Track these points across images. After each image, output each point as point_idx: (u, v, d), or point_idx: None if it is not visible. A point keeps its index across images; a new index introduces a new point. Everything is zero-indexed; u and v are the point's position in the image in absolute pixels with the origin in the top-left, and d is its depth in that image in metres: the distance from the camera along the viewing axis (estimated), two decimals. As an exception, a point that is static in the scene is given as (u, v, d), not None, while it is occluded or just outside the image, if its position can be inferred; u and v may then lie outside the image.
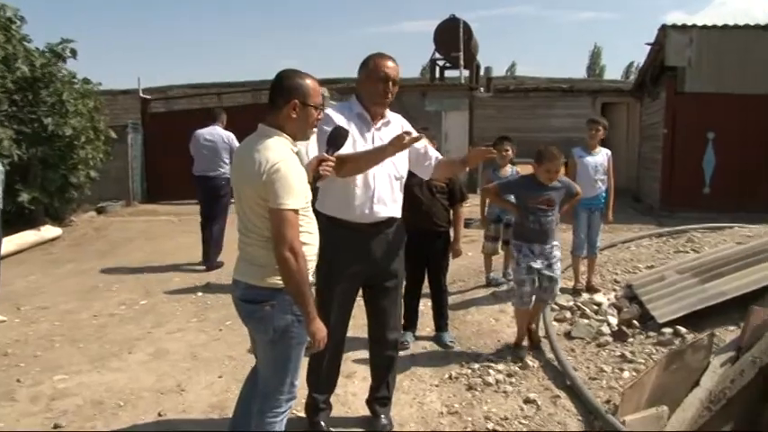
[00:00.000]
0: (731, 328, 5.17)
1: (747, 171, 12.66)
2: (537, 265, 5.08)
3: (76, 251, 10.41)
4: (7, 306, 6.85)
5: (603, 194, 6.73)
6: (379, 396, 4.11)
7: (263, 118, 2.94)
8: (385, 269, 3.82)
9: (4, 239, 9.52)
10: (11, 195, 10.19)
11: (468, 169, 4.16)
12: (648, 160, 15.21)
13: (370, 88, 3.63)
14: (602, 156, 6.79)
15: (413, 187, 4.97)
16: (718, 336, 5.18)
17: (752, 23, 13.19)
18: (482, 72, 21.19)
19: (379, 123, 3.73)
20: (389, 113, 3.80)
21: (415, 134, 3.39)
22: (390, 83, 3.59)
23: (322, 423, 3.95)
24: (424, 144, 3.82)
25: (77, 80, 12.19)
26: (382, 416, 4.07)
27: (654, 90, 15.05)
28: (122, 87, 20.09)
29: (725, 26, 13.14)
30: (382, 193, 3.65)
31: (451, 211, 5.60)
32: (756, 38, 12.85)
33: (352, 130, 3.55)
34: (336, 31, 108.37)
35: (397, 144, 3.30)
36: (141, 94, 16.88)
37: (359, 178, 3.56)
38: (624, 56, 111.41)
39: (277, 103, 2.87)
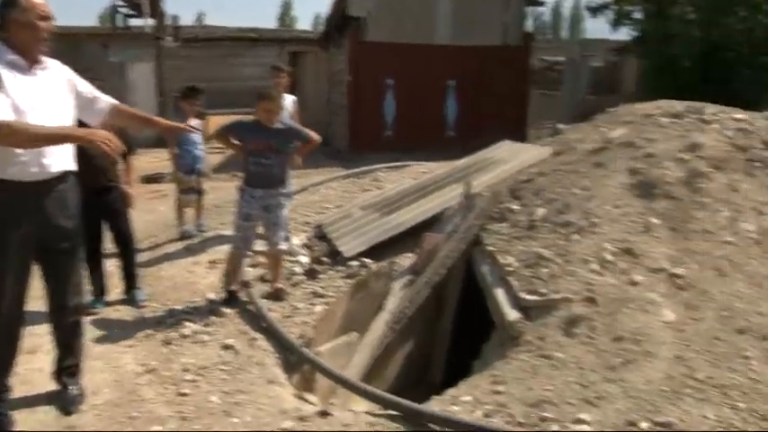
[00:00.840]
0: (408, 255, 5.66)
1: (423, 114, 13.91)
2: (254, 211, 5.03)
3: None
4: None
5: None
6: (66, 366, 3.80)
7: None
8: (60, 230, 3.48)
9: None
10: None
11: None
12: (336, 106, 15.92)
13: (26, 31, 3.22)
14: (287, 101, 6.89)
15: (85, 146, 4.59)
16: (398, 263, 5.68)
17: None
18: (169, 21, 20.21)
19: (38, 69, 3.33)
20: (49, 60, 3.43)
21: (80, 83, 3.24)
22: (47, 20, 3.25)
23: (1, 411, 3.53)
24: (90, 88, 3.59)
25: None
26: (71, 387, 3.77)
27: (339, 39, 15.67)
28: None
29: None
30: (49, 149, 3.30)
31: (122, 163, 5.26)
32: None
33: (5, 80, 3.14)
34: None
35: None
36: None
37: None
38: (316, 6, 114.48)
39: None
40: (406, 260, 5.67)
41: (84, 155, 4.51)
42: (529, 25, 14.98)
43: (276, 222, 5.12)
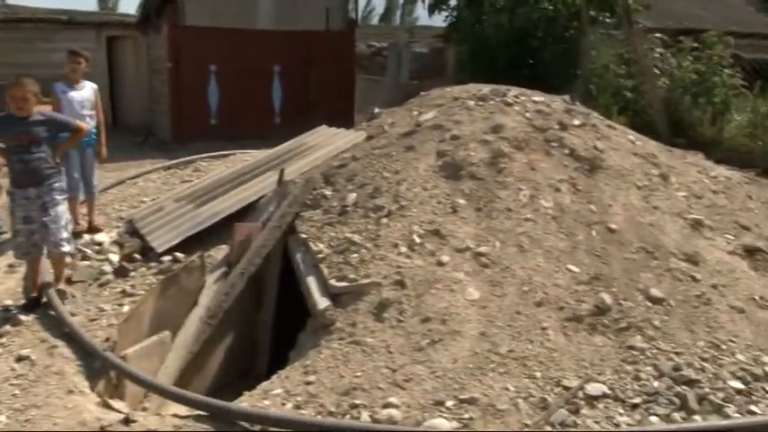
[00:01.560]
0: (223, 246, 5.46)
1: (249, 101, 13.59)
2: (32, 212, 4.66)
3: None
4: None
5: (94, 131, 6.38)
6: None
7: None
8: None
9: None
10: None
11: None
12: (158, 94, 15.20)
13: None
14: (87, 90, 6.41)
15: None
16: (212, 255, 5.45)
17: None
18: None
19: None
20: None
21: None
22: None
23: None
24: None
25: None
26: None
27: (157, 23, 14.94)
28: None
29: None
30: None
31: None
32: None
33: None
34: None
35: None
36: None
37: None
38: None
39: None
40: (221, 252, 5.46)
41: None
42: (358, 10, 15.05)
43: (49, 222, 4.77)
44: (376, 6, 61.46)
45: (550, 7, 11.61)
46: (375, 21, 43.17)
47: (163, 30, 14.09)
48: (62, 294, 4.93)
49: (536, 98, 5.87)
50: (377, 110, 7.38)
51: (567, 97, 6.31)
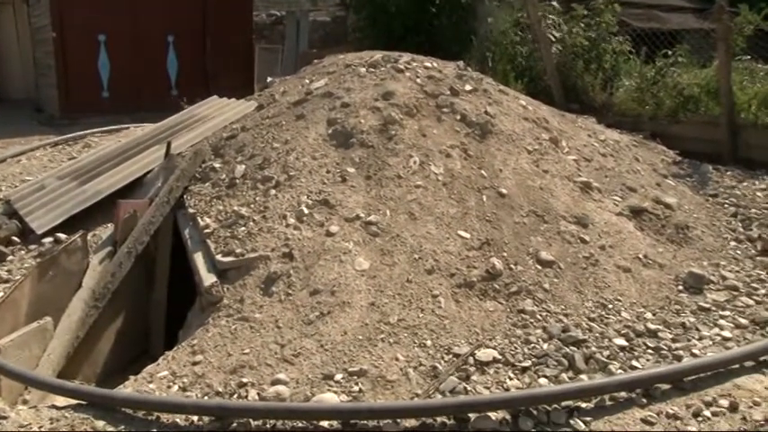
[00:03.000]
0: (109, 225, 5.20)
1: (142, 72, 13.01)
2: None
3: None
4: None
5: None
6: None
7: None
8: None
9: None
10: None
11: None
12: (43, 66, 14.31)
13: None
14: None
15: None
16: (98, 234, 5.20)
17: None
18: None
19: None
20: None
21: None
22: None
23: None
24: None
25: None
26: None
27: (36, -10, 14.08)
28: None
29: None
30: None
31: None
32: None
33: None
34: None
35: None
36: None
37: None
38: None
39: None
40: (106, 231, 5.21)
41: None
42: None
43: None
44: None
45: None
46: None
47: (44, -3, 13.30)
48: None
49: (427, 64, 5.83)
50: (269, 79, 7.19)
51: (460, 63, 6.30)
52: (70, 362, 4.44)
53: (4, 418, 3.24)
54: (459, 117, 5.22)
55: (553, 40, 9.48)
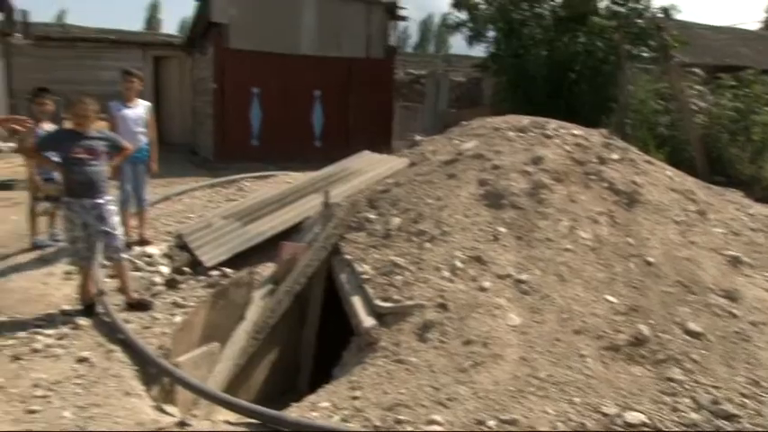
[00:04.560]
0: (269, 264, 5.67)
1: (290, 124, 13.89)
2: (89, 220, 4.90)
3: None
4: None
5: (146, 147, 6.66)
6: None
7: None
8: None
9: None
10: None
11: None
12: (202, 114, 15.58)
13: None
14: (141, 108, 6.70)
15: None
16: (258, 272, 5.67)
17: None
18: (18, 17, 19.01)
19: None
20: None
21: None
22: None
23: None
24: None
25: None
26: None
27: (203, 45, 15.37)
28: None
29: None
30: None
31: None
32: (293, 3, 14.02)
33: None
34: None
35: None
36: None
37: None
38: (183, 11, 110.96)
39: None
40: (266, 269, 5.67)
41: None
42: (393, 39, 15.32)
43: (110, 230, 5.03)
44: (411, 35, 62.04)
45: (588, 41, 11.78)
46: (410, 49, 43.68)
47: (208, 51, 14.51)
48: (146, 302, 5.24)
49: (575, 131, 6.03)
50: (417, 137, 7.59)
51: (605, 131, 6.45)
52: (229, 386, 4.84)
53: (188, 425, 3.65)
54: (606, 185, 5.36)
55: (697, 110, 9.41)
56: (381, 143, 11.73)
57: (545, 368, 3.81)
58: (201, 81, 15.61)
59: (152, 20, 58.83)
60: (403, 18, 15.46)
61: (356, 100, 14.31)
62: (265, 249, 5.94)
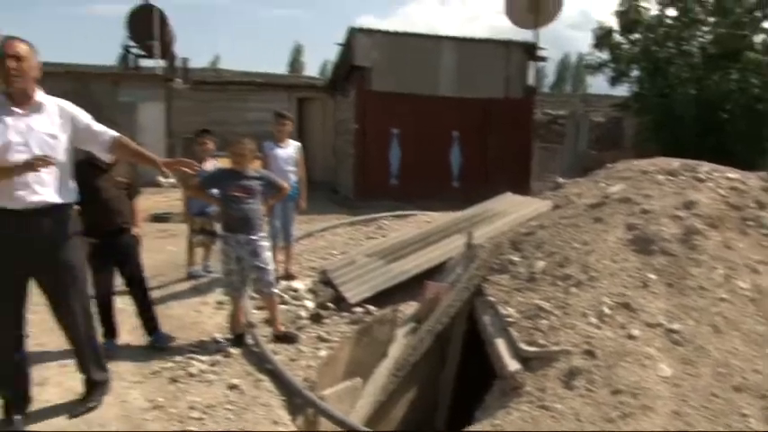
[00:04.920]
0: (412, 303, 5.79)
1: (428, 164, 14.08)
2: (243, 254, 5.20)
3: None
4: None
5: (295, 185, 7.01)
6: (84, 378, 4.17)
7: None
8: (50, 259, 3.79)
9: None
10: None
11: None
12: (343, 154, 16.14)
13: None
14: (292, 148, 7.08)
15: (100, 187, 4.81)
16: (401, 310, 5.79)
17: (431, 33, 14.70)
18: (179, 63, 20.64)
19: (27, 108, 3.67)
20: (44, 97, 3.75)
21: (79, 119, 3.78)
22: (12, 60, 3.54)
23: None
24: (89, 122, 3.88)
25: None
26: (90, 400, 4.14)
27: (345, 87, 15.98)
28: None
29: (405, 33, 14.45)
30: (24, 179, 3.59)
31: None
32: (433, 46, 14.36)
33: None
34: (18, 7, 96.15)
35: (28, 167, 3.49)
36: None
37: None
38: (325, 54, 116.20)
39: None
40: (408, 308, 5.79)
41: (98, 197, 4.69)
42: (532, 79, 15.24)
43: (262, 266, 5.27)
44: (548, 74, 61.37)
45: (742, 78, 11.23)
46: (546, 88, 43.25)
47: (350, 93, 15.08)
48: (293, 335, 5.49)
49: (730, 175, 5.77)
50: (560, 179, 7.52)
51: (763, 174, 6.12)
52: (369, 421, 4.94)
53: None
54: (766, 231, 5.08)
55: None
56: (520, 184, 11.67)
57: (701, 424, 3.64)
58: (343, 122, 16.21)
59: (295, 63, 61.85)
60: (542, 59, 15.38)
61: (494, 140, 14.30)
62: (407, 288, 6.08)
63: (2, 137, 3.56)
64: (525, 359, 4.30)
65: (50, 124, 3.72)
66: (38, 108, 3.69)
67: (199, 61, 26.26)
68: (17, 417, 3.85)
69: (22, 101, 3.64)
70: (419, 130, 14.02)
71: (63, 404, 4.17)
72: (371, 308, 5.85)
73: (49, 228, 3.71)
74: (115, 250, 5.01)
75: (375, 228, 9.81)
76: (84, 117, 3.88)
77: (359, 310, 5.88)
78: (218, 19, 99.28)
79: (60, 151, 3.73)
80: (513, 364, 4.28)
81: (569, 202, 6.11)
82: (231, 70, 25.40)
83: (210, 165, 6.99)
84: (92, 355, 4.14)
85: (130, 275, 5.21)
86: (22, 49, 3.57)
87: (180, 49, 21.26)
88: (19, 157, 3.54)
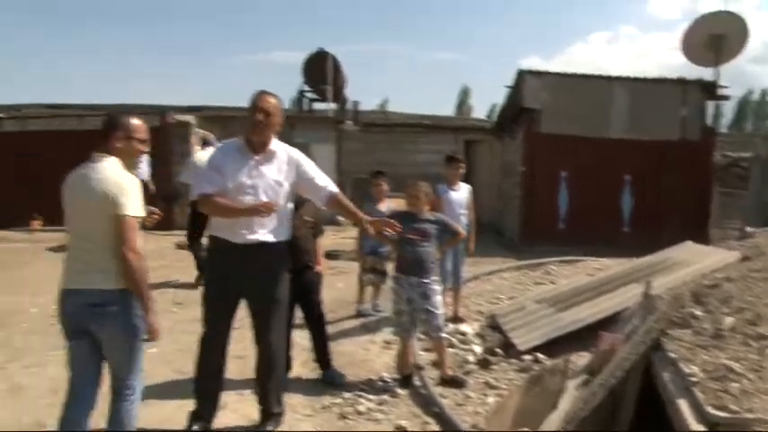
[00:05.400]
0: (584, 353, 5.58)
1: (597, 208, 13.60)
2: (414, 296, 5.28)
3: None
4: None
5: (466, 227, 7.04)
6: (261, 408, 4.39)
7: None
8: (259, 288, 4.15)
9: None
10: None
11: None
12: (509, 196, 16.01)
13: (247, 120, 4.03)
14: (464, 191, 7.15)
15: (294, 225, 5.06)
16: (573, 361, 5.60)
17: (598, 73, 14.34)
18: (350, 106, 21.57)
19: (261, 156, 4.06)
20: (277, 145, 4.14)
21: (305, 170, 4.17)
22: (261, 113, 3.95)
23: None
24: (310, 175, 4.23)
25: None
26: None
27: (512, 129, 15.91)
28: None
29: (574, 74, 14.20)
30: (249, 219, 3.99)
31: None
32: (604, 86, 13.98)
33: (229, 163, 4.02)
34: (207, 57, 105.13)
35: (254, 211, 3.89)
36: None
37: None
38: (491, 97, 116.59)
39: (107, 134, 3.48)
40: (581, 359, 5.59)
41: (295, 238, 4.88)
42: (710, 118, 14.31)
43: (432, 309, 5.30)
44: (726, 113, 57.37)
45: None
46: (724, 128, 40.56)
47: (518, 135, 14.98)
48: (461, 380, 5.45)
49: None
50: (747, 228, 7.01)
51: None
52: (536, 474, 4.79)
53: None
54: None
55: None
56: (697, 231, 10.94)
57: None
58: (510, 164, 16.11)
59: (462, 105, 62.43)
60: (724, 97, 14.43)
61: (669, 184, 13.54)
62: (579, 337, 5.88)
63: (236, 179, 3.99)
64: (713, 424, 3.99)
65: (278, 172, 4.11)
66: (271, 156, 4.10)
67: (368, 104, 27.25)
68: (195, 428, 4.20)
69: (260, 149, 4.07)
70: (589, 173, 13.62)
71: (237, 429, 4.45)
72: (541, 356, 5.72)
73: (262, 261, 4.09)
74: (299, 287, 5.14)
75: (542, 273, 9.63)
76: (310, 169, 4.24)
77: (528, 357, 5.76)
78: (386, 63, 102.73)
79: (282, 196, 4.12)
80: (698, 428, 3.98)
81: (761, 253, 5.66)
82: (399, 113, 26.17)
83: (384, 206, 7.21)
84: (274, 388, 4.37)
85: (310, 311, 5.44)
86: (271, 104, 4.02)
87: (351, 92, 22.21)
88: (248, 199, 3.97)
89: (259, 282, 4.13)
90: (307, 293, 5.35)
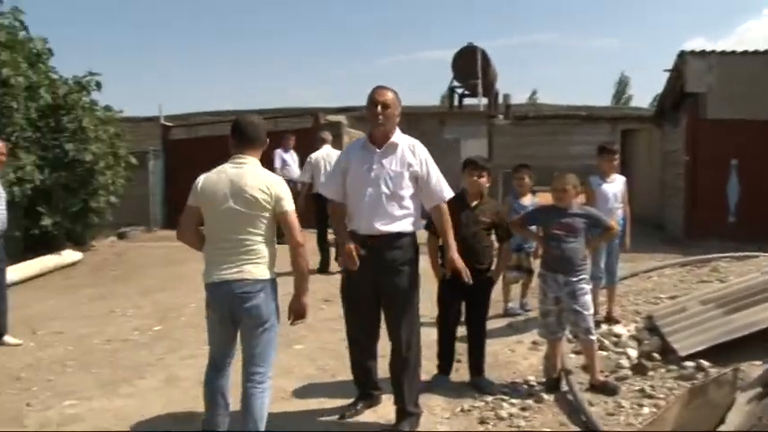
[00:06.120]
0: (757, 362, 5.00)
1: (774, 198, 12.36)
2: (561, 295, 4.99)
3: (95, 276, 10.44)
4: (23, 330, 6.85)
5: (621, 222, 6.58)
6: (397, 407, 4.34)
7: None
8: (386, 281, 4.17)
9: (26, 264, 9.65)
10: (34, 219, 10.65)
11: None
12: (671, 188, 14.99)
13: (367, 114, 4.21)
14: (618, 183, 6.68)
15: (460, 222, 4.86)
16: (744, 371, 5.03)
17: (773, 49, 13.00)
18: (501, 100, 21.18)
19: (384, 147, 4.18)
20: (399, 137, 4.22)
21: (423, 172, 4.25)
22: (379, 106, 4.07)
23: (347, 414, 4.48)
24: (426, 175, 4.27)
25: (98, 107, 12.33)
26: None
27: (674, 116, 14.90)
28: (145, 114, 20.21)
29: (745, 52, 13.01)
30: (372, 210, 4.13)
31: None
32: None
33: (353, 163, 4.24)
34: (356, 59, 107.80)
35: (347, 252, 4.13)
36: (162, 121, 17.05)
37: (354, 195, 4.21)
38: (654, 85, 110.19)
39: (257, 142, 3.80)
40: (753, 368, 5.01)
41: (457, 232, 4.64)
42: None
43: (580, 309, 4.96)
44: None
45: None
46: None
47: (680, 123, 13.98)
48: (612, 386, 5.05)
49: None
50: None
51: None
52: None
53: None
54: None
55: None
56: None
57: None
58: (672, 153, 15.08)
59: (619, 95, 59.37)
60: None
61: None
62: (750, 344, 5.28)
63: (358, 170, 4.18)
64: None
65: (400, 164, 4.18)
66: (393, 149, 4.19)
67: (518, 97, 26.73)
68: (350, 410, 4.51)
69: (381, 142, 4.17)
70: (763, 161, 12.39)
71: (373, 425, 4.43)
72: (705, 363, 5.17)
73: (387, 253, 4.15)
74: (467, 287, 4.68)
75: (709, 270, 8.88)
76: (429, 168, 4.27)
77: (689, 364, 5.23)
78: (538, 54, 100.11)
79: (405, 187, 4.17)
80: None
81: None
82: (550, 104, 25.42)
83: (528, 200, 6.90)
84: (408, 387, 4.26)
85: (474, 313, 5.24)
86: (388, 97, 4.13)
87: (501, 85, 21.82)
88: (369, 191, 4.12)
89: (386, 272, 4.16)
90: (474, 296, 5.13)
